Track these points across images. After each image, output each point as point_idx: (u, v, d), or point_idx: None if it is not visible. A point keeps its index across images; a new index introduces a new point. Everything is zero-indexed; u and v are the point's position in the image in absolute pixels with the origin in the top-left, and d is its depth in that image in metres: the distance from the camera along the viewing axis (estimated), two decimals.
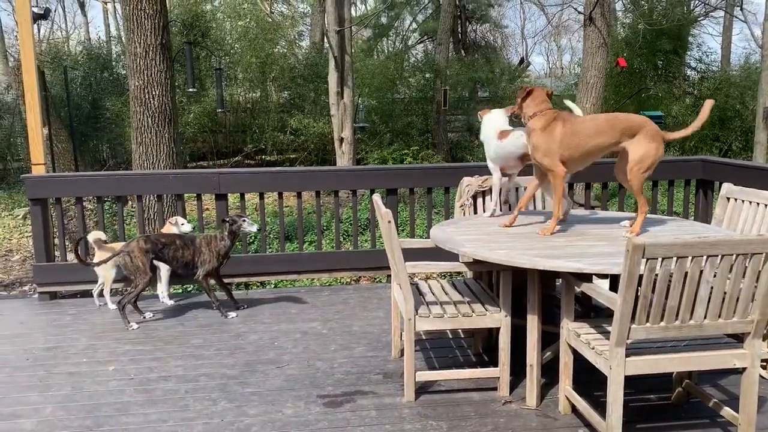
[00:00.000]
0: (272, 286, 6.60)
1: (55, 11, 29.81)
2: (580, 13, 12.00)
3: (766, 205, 3.35)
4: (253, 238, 8.68)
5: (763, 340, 3.10)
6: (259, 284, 6.18)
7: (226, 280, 4.70)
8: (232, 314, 4.48)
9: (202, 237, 4.42)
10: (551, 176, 3.29)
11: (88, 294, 4.98)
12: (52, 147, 11.22)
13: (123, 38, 9.50)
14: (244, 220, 4.35)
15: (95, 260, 4.48)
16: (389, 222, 3.01)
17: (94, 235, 4.55)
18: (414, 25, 26.84)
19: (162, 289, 4.80)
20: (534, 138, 3.26)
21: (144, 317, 4.44)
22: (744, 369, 2.56)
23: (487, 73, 21.35)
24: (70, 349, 3.93)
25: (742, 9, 14.36)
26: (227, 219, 4.40)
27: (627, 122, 3.19)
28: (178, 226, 4.70)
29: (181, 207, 5.20)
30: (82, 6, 29.82)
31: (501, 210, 3.85)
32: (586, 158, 3.28)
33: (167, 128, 7.88)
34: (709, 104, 3.18)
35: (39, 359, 3.78)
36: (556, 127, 3.22)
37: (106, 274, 4.58)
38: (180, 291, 5.97)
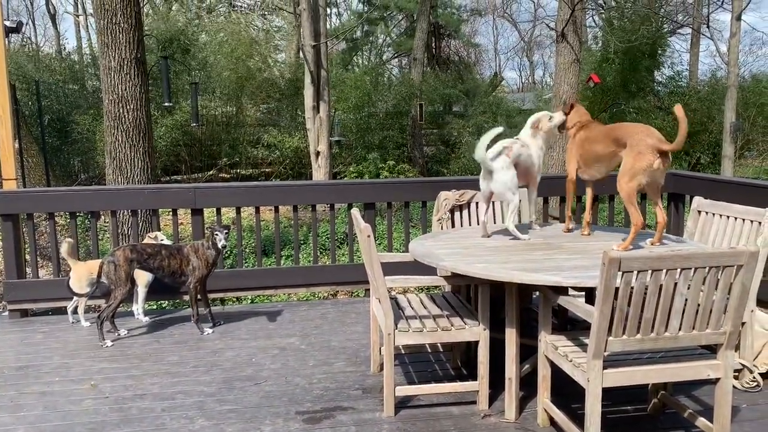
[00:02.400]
0: (249, 301, 6.55)
1: (26, 24, 29.38)
2: (552, 29, 12.22)
3: (735, 218, 3.43)
4: (228, 252, 8.62)
5: (735, 350, 3.17)
6: (235, 299, 6.13)
7: None
8: (207, 330, 4.43)
9: (189, 245, 4.40)
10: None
11: (59, 311, 4.88)
12: (22, 161, 11.03)
13: (98, 52, 9.39)
14: (216, 234, 4.34)
15: (72, 276, 4.42)
16: (369, 236, 3.02)
17: (65, 247, 4.48)
18: (389, 40, 27.04)
19: (137, 306, 4.73)
20: (568, 145, 3.62)
21: (119, 334, 4.37)
22: (718, 379, 2.61)
23: (460, 89, 21.57)
24: (42, 367, 3.85)
25: (708, 26, 14.76)
26: (209, 228, 4.43)
27: (617, 131, 3.28)
28: (157, 241, 4.65)
29: (156, 222, 5.14)
30: (53, 19, 29.47)
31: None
32: (593, 165, 3.48)
33: (141, 143, 7.81)
34: (679, 111, 3.02)
35: (9, 379, 3.69)
36: (579, 134, 3.55)
37: (81, 289, 4.50)
38: (155, 308, 5.89)
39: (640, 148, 3.08)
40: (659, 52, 18.48)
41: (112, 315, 4.28)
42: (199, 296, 4.44)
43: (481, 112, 19.19)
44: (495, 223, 4.17)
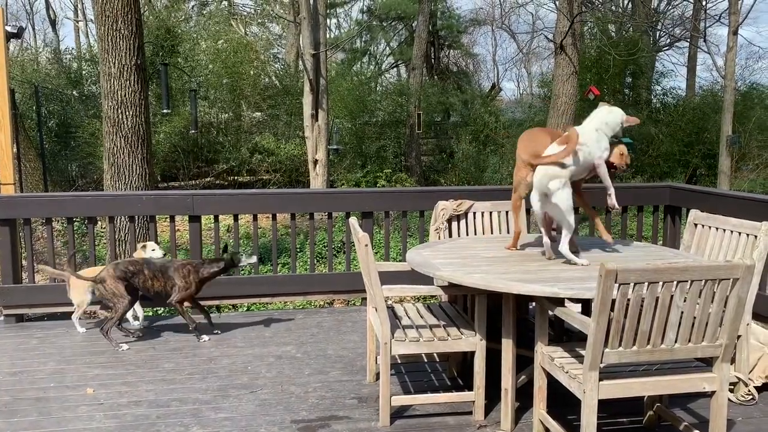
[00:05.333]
0: (245, 308, 6.54)
1: (25, 29, 29.40)
2: (550, 41, 12.28)
3: (732, 232, 3.45)
4: None
5: (731, 363, 3.17)
6: (231, 307, 6.12)
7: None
8: (204, 337, 4.43)
9: (176, 267, 4.34)
10: None
11: (55, 317, 4.87)
12: (20, 166, 11.02)
13: (98, 57, 9.37)
14: (241, 256, 4.44)
15: (70, 287, 4.43)
16: (366, 246, 3.03)
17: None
18: (388, 50, 27.15)
19: (132, 312, 4.72)
20: None
21: (132, 337, 4.41)
22: (713, 392, 2.62)
23: (459, 99, 21.63)
24: (37, 373, 3.84)
25: (705, 41, 14.83)
26: (226, 256, 4.44)
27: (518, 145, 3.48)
28: (147, 251, 4.63)
29: (153, 228, 5.14)
30: (53, 24, 29.51)
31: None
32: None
33: (140, 149, 7.80)
34: (573, 133, 3.22)
35: (4, 384, 3.68)
36: None
37: (80, 298, 4.50)
38: (151, 314, 5.87)
39: (518, 162, 3.41)
40: (654, 63, 18.61)
41: (118, 324, 4.32)
42: (191, 305, 4.44)
43: (481, 122, 19.22)
44: (492, 233, 4.19)
